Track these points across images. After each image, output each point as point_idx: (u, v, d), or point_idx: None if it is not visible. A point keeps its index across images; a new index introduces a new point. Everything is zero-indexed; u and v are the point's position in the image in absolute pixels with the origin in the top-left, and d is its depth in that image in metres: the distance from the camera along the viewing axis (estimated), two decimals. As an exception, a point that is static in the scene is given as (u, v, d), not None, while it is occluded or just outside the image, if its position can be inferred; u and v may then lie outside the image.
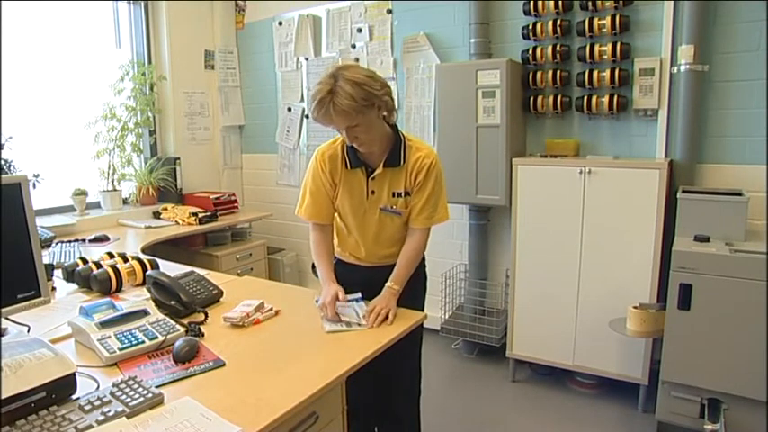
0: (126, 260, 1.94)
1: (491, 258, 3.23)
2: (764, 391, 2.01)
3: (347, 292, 1.72)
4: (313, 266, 1.90)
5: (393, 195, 1.72)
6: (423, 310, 1.77)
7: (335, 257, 1.90)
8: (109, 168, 3.42)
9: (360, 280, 1.76)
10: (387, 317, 1.57)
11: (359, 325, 1.53)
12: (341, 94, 1.48)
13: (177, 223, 3.28)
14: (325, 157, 1.74)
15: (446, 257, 3.35)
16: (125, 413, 1.03)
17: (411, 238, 1.77)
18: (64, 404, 1.05)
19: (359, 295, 1.70)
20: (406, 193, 1.72)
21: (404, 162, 1.69)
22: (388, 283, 1.68)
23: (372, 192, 1.73)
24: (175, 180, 3.66)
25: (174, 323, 1.44)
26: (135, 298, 1.72)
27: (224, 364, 1.28)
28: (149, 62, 3.70)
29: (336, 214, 1.84)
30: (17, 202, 1.29)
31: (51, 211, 3.19)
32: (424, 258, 1.93)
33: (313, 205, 1.78)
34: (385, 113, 1.62)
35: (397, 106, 3.35)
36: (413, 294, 1.80)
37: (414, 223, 1.75)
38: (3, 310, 1.28)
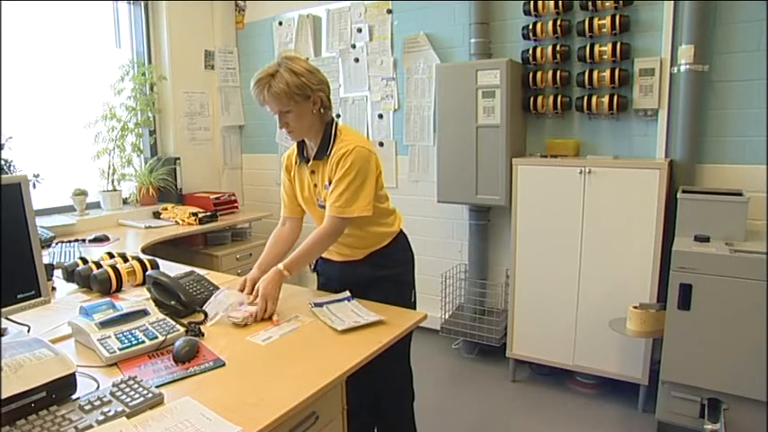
0: (126, 260, 1.94)
1: (491, 258, 3.23)
2: (764, 391, 2.01)
3: (330, 290, 1.77)
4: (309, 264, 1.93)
5: (325, 187, 1.76)
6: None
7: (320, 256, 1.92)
8: (109, 168, 3.42)
9: (337, 276, 1.82)
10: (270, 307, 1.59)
11: (366, 319, 1.54)
12: (278, 80, 1.61)
13: (177, 223, 3.28)
14: (285, 157, 1.90)
15: (446, 257, 3.35)
16: (125, 413, 1.03)
17: (321, 225, 1.73)
18: (64, 404, 1.04)
19: (347, 294, 1.72)
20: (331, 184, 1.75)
21: (329, 154, 1.73)
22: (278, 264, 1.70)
23: (315, 185, 1.80)
24: (175, 180, 3.66)
25: (174, 323, 1.43)
26: (135, 298, 1.72)
27: (224, 364, 1.28)
28: (149, 62, 3.70)
29: None
30: (17, 202, 1.29)
31: (51, 211, 3.19)
32: (412, 266, 1.93)
33: (285, 202, 1.94)
34: (321, 110, 1.70)
35: (397, 105, 3.34)
36: (397, 302, 1.75)
37: (327, 209, 1.72)
38: (3, 310, 1.28)
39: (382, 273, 1.83)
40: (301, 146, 1.82)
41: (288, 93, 1.60)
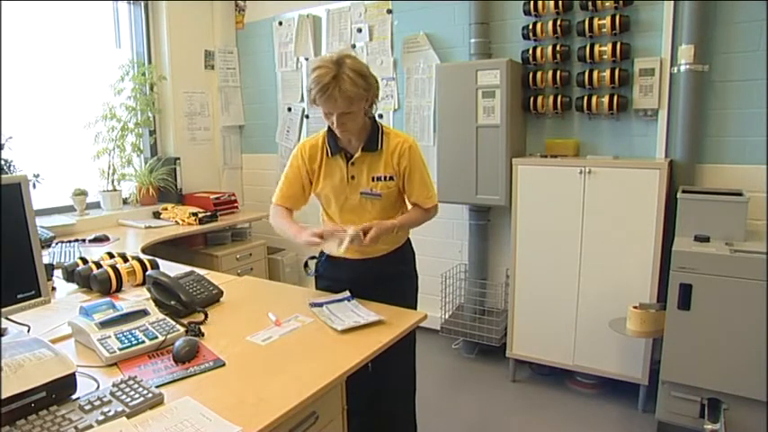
0: (126, 260, 1.94)
1: (491, 258, 3.23)
2: (764, 391, 2.01)
3: (336, 291, 1.76)
4: (305, 264, 1.93)
5: (373, 180, 1.77)
6: (415, 309, 1.78)
7: (323, 254, 1.94)
8: (109, 168, 3.42)
9: (348, 276, 1.79)
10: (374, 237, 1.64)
11: (366, 319, 1.54)
12: (347, 80, 1.56)
13: (177, 223, 3.28)
14: (306, 146, 1.82)
15: (446, 257, 3.35)
16: (125, 413, 1.03)
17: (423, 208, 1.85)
18: (64, 404, 1.05)
19: (347, 294, 1.72)
20: (389, 178, 1.77)
21: (381, 147, 1.76)
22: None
23: (352, 177, 1.78)
24: (175, 180, 3.66)
25: (174, 323, 1.44)
26: (135, 298, 1.72)
27: (224, 364, 1.28)
28: (149, 62, 3.70)
29: (321, 207, 1.91)
30: (17, 202, 1.29)
31: (51, 211, 3.19)
32: (413, 258, 1.97)
33: (284, 189, 1.85)
34: (367, 107, 1.71)
35: (397, 105, 3.35)
36: (402, 293, 1.83)
37: (423, 205, 1.84)
38: (3, 310, 1.28)
39: (398, 269, 1.87)
40: (331, 137, 1.77)
41: (358, 94, 1.59)
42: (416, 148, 1.79)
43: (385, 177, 1.76)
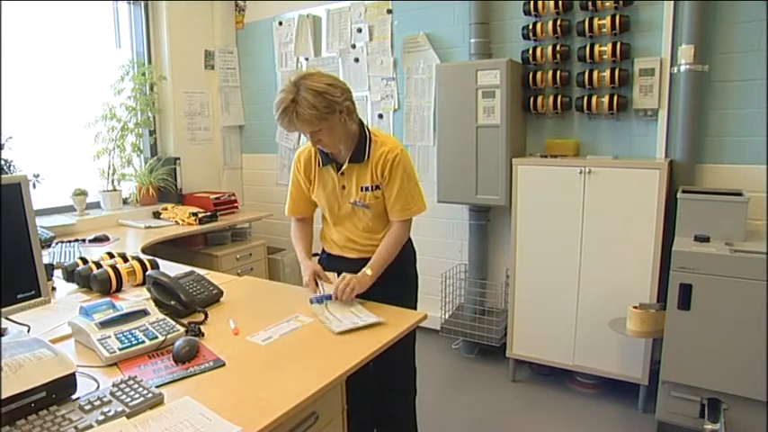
0: (126, 260, 1.94)
1: (491, 258, 3.23)
2: (764, 391, 2.01)
3: None
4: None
5: (361, 189, 1.78)
6: (415, 309, 1.78)
7: (325, 252, 1.97)
8: (109, 168, 3.42)
9: (348, 272, 1.78)
10: (350, 293, 1.64)
11: (364, 320, 1.54)
12: (303, 104, 1.56)
13: (177, 223, 3.28)
14: (301, 158, 1.87)
15: (446, 257, 3.35)
16: (125, 413, 1.03)
17: (390, 230, 1.83)
18: (64, 404, 1.04)
19: None
20: (376, 187, 1.77)
21: (368, 157, 1.75)
22: (364, 269, 1.74)
23: (343, 186, 1.80)
24: (175, 180, 3.66)
25: (174, 323, 1.43)
26: (135, 298, 1.72)
27: (224, 364, 1.28)
28: (149, 62, 3.70)
29: (320, 209, 1.93)
30: (17, 202, 1.29)
31: (51, 211, 3.19)
32: (414, 258, 1.98)
33: (292, 202, 1.95)
34: (346, 117, 1.68)
35: (397, 105, 3.35)
36: (402, 293, 1.83)
37: (390, 216, 1.82)
38: (3, 310, 1.28)
39: (399, 269, 1.86)
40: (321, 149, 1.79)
41: (318, 115, 1.57)
42: (401, 159, 1.74)
43: (372, 187, 1.77)
